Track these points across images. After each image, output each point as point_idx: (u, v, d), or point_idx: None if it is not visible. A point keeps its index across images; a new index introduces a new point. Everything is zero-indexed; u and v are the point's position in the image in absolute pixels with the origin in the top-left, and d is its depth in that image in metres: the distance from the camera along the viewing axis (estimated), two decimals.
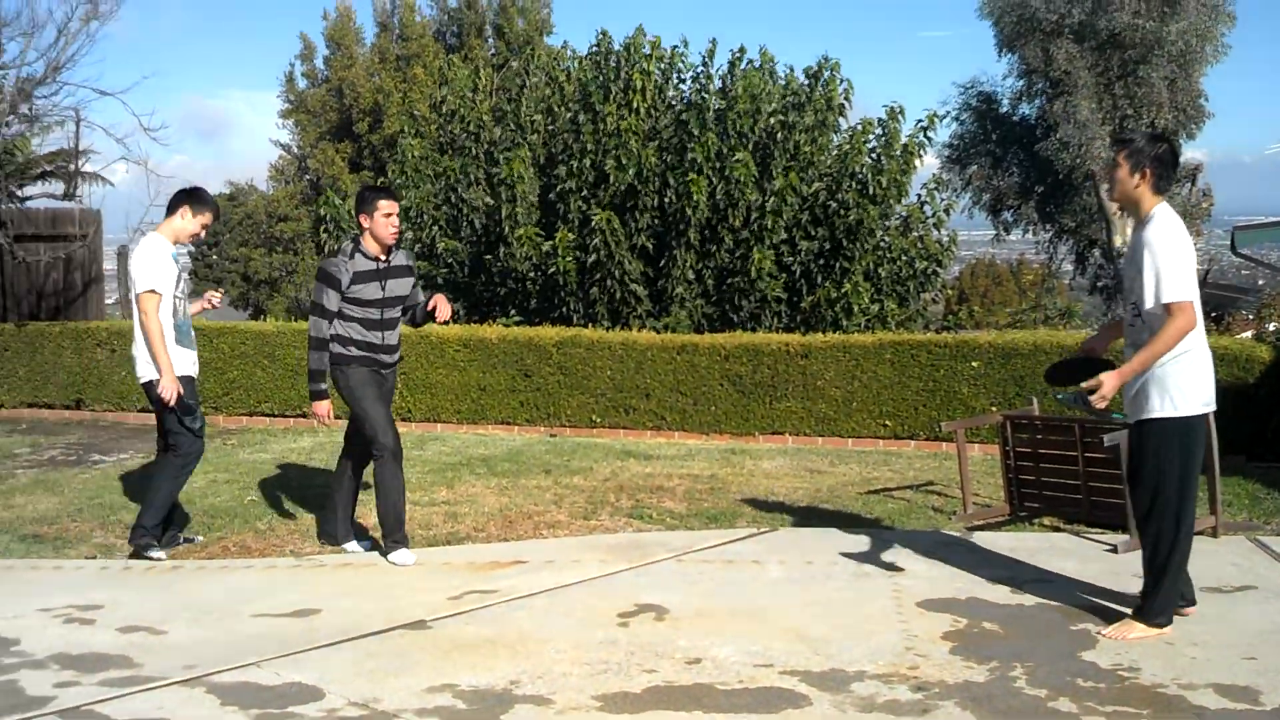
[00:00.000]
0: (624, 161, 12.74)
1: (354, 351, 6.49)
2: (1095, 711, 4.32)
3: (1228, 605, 5.54)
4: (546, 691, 4.59)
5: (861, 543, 6.73)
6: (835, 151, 13.81)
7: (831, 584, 5.96)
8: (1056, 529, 7.17)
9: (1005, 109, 27.31)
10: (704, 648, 5.03)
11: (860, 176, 13.25)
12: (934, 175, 15.43)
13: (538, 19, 30.77)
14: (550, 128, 13.94)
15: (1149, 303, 4.88)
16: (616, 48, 14.01)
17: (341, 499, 6.88)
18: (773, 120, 13.28)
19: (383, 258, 6.49)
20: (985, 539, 6.84)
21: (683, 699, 4.50)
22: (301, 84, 32.80)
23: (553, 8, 31.48)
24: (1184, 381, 4.97)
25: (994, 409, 9.74)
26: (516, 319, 13.01)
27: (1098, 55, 23.98)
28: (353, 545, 6.83)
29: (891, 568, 6.20)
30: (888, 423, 10.45)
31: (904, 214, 13.98)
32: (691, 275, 12.94)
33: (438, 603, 5.73)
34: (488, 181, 13.86)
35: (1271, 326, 16.12)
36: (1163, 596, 5.07)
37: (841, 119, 14.19)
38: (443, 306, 6.60)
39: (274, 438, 11.03)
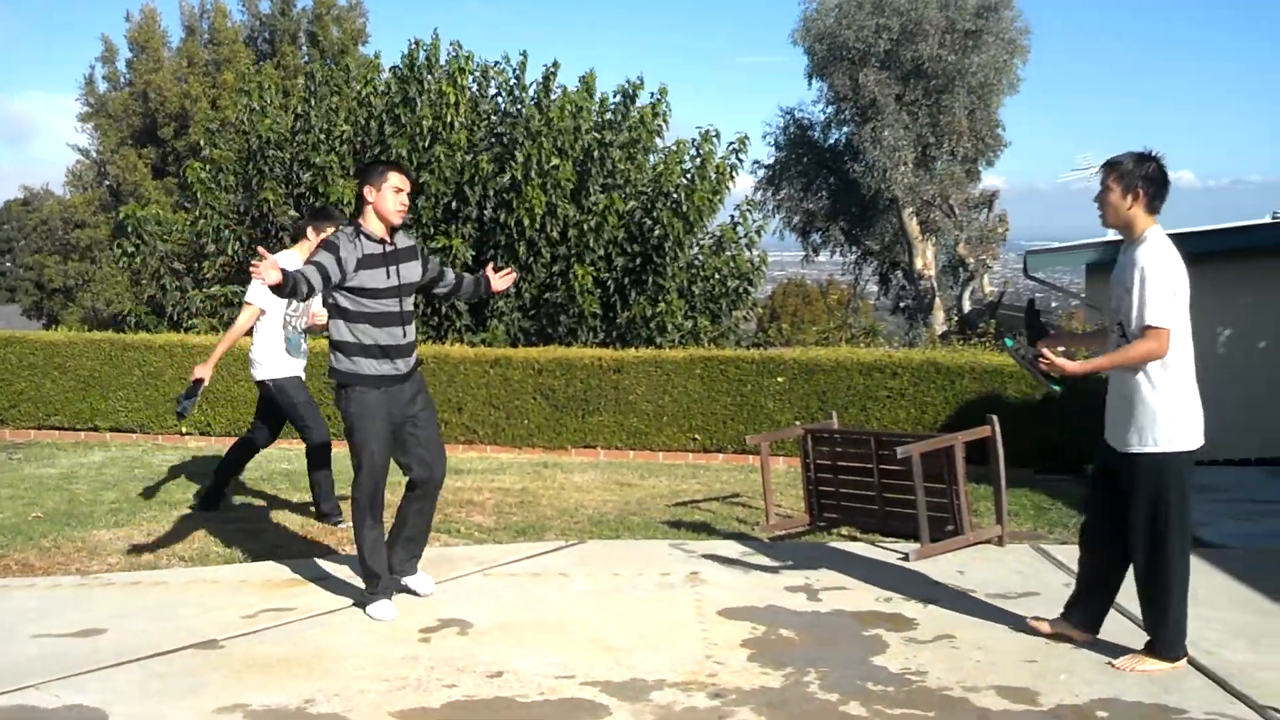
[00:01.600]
0: (439, 172, 12.63)
1: (364, 365, 5.46)
2: (884, 715, 4.46)
3: (1012, 611, 5.79)
4: (342, 709, 4.48)
5: (667, 554, 6.81)
6: (651, 171, 14.02)
7: (636, 595, 6.00)
8: (853, 538, 7.40)
9: (816, 134, 28.15)
10: (506, 661, 5.00)
11: (675, 196, 13.47)
12: (746, 197, 15.85)
13: (353, 28, 30.28)
14: (361, 139, 13.72)
15: (1133, 324, 4.75)
16: (424, 58, 13.87)
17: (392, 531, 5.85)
18: (589, 138, 13.37)
19: (388, 240, 5.54)
20: (786, 549, 7.01)
21: (483, 712, 4.46)
22: (103, 87, 31.47)
23: (369, 17, 31.02)
24: (1183, 416, 4.83)
25: (798, 423, 9.99)
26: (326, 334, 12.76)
27: (903, 84, 24.95)
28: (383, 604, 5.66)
29: (695, 578, 6.29)
30: (697, 436, 10.61)
31: (717, 234, 14.28)
32: (512, 290, 12.92)
33: (231, 621, 5.54)
34: (289, 195, 13.54)
35: (1060, 348, 17.00)
36: (1173, 628, 4.91)
37: (659, 140, 14.42)
38: (498, 281, 6.00)
39: (63, 452, 10.52)
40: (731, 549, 6.94)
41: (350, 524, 5.86)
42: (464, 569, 6.45)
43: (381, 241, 5.51)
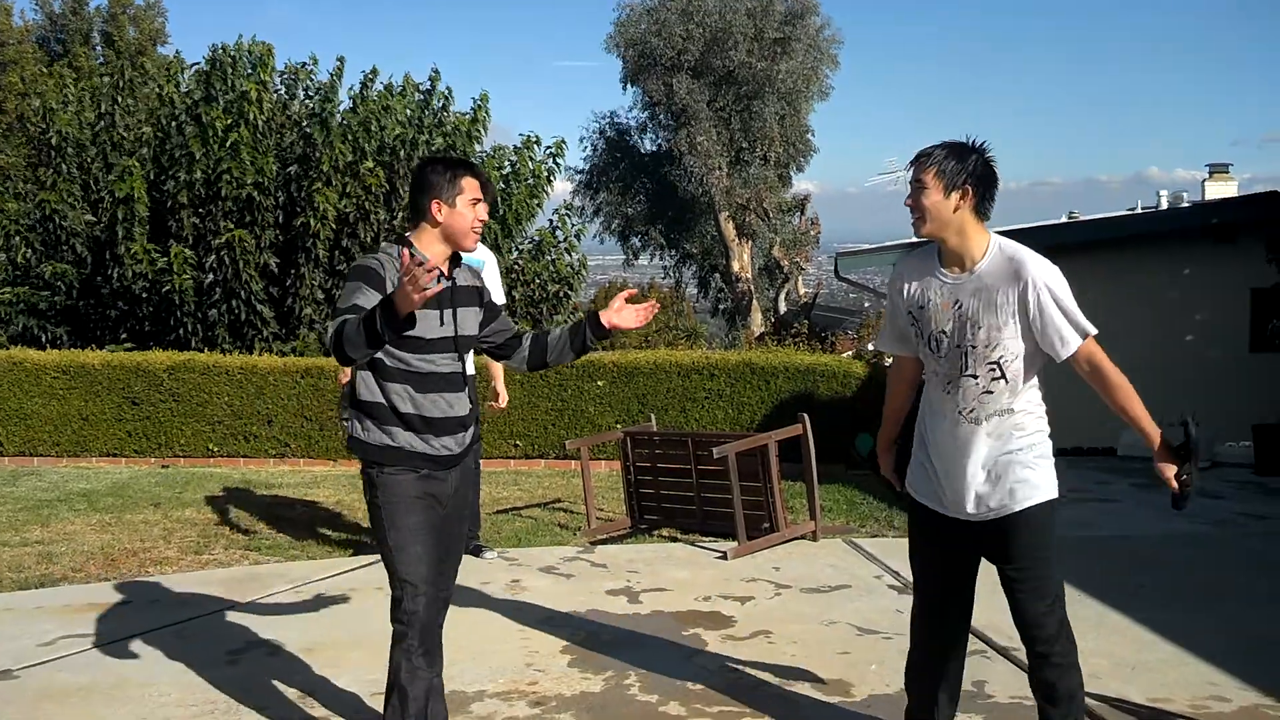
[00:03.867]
0: (236, 173, 12.22)
1: (401, 437, 3.83)
2: (702, 713, 4.50)
3: (825, 604, 5.92)
4: None
5: (487, 563, 6.73)
6: None
7: (455, 606, 5.90)
8: (673, 539, 7.45)
9: (634, 139, 28.39)
10: (320, 680, 4.86)
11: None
12: (565, 201, 15.87)
13: (151, 28, 29.14)
14: (160, 140, 13.19)
15: (1071, 346, 3.58)
16: (230, 52, 13.41)
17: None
18: (397, 138, 13.13)
19: (445, 272, 3.87)
20: (607, 552, 7.02)
21: None
22: None
23: (168, 17, 29.91)
24: (1050, 451, 3.82)
25: (618, 426, 10.03)
26: (127, 344, 12.21)
27: (715, 90, 25.34)
28: None
29: (516, 586, 6.23)
30: (518, 443, 10.54)
31: (537, 238, 14.26)
32: (321, 295, 12.61)
33: (26, 650, 5.24)
34: (86, 199, 12.93)
35: (870, 346, 17.57)
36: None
37: (478, 145, 14.31)
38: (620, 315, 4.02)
39: None
40: (552, 555, 6.91)
41: (390, 671, 3.89)
42: (274, 587, 6.25)
43: (441, 273, 3.78)
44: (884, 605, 5.89)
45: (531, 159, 14.14)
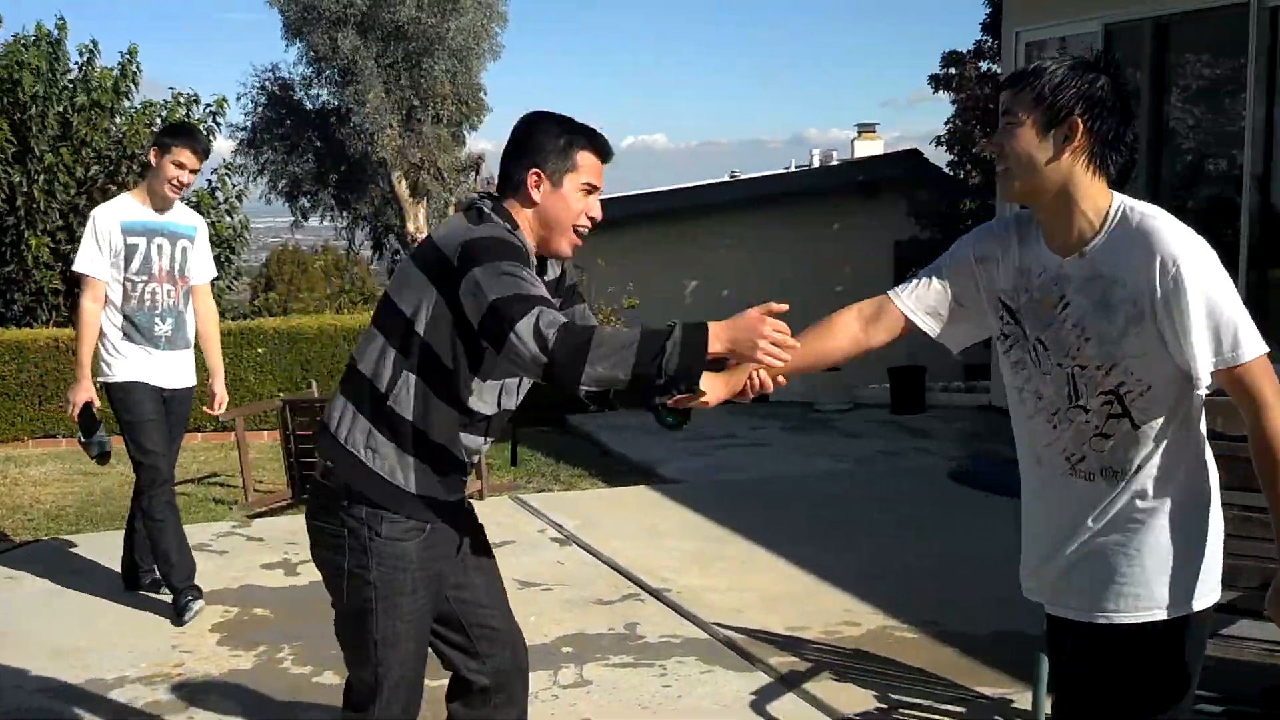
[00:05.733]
0: None
1: (427, 484, 2.79)
2: None
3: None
4: None
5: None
6: (116, 133, 13.06)
7: (95, 593, 5.60)
8: None
9: (299, 95, 27.40)
10: None
11: (143, 159, 12.62)
12: (224, 161, 15.16)
13: None
14: None
15: (1219, 363, 2.26)
16: None
17: None
18: (32, 95, 12.15)
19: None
20: (264, 525, 6.83)
21: None
22: None
23: None
24: (1218, 544, 2.42)
25: (280, 395, 9.72)
26: None
27: (384, 46, 24.81)
28: None
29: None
30: None
31: (195, 200, 13.57)
32: None
33: None
34: None
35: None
36: None
37: (127, 101, 13.45)
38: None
39: None
40: (205, 532, 6.65)
41: None
42: None
43: (541, 268, 2.87)
44: (547, 558, 6.03)
45: (188, 118, 13.41)
